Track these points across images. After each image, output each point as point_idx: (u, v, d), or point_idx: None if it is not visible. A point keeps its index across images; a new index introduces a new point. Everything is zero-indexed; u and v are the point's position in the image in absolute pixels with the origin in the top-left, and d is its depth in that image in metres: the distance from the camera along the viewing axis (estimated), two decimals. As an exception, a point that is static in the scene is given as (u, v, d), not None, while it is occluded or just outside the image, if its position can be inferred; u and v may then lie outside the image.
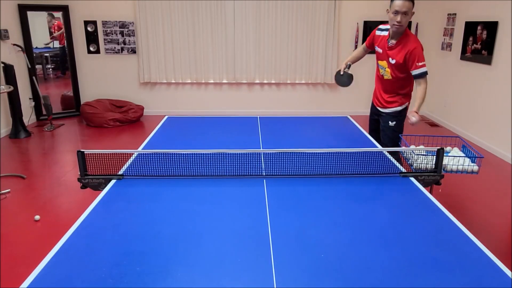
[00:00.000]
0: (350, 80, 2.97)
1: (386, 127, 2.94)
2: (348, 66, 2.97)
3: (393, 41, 2.73)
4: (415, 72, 2.66)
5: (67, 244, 1.44)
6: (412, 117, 2.56)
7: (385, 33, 2.81)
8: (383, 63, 2.86)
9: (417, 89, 2.69)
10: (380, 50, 2.85)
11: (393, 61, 2.75)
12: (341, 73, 2.96)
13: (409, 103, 2.93)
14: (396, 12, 2.59)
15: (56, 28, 6.11)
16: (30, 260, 2.60)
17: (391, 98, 2.90)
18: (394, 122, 2.90)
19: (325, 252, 1.39)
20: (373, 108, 3.11)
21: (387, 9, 2.69)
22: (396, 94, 2.88)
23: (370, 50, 3.04)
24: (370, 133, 3.18)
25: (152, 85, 6.49)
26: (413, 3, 2.60)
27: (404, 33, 2.69)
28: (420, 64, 2.63)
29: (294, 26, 6.15)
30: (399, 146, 2.82)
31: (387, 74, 2.84)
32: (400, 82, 2.82)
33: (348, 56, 3.13)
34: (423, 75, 2.66)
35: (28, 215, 3.18)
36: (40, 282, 1.23)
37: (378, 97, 3.02)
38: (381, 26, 2.88)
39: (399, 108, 2.89)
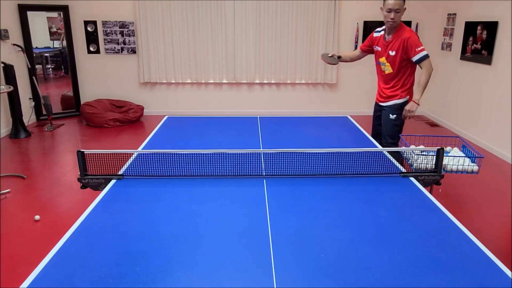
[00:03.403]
0: (336, 62, 3.27)
1: (387, 120, 3.03)
2: (338, 57, 3.25)
3: (389, 36, 2.93)
4: (416, 57, 2.80)
5: (67, 244, 1.44)
6: (409, 106, 2.85)
7: (382, 33, 3.02)
8: (383, 59, 3.00)
9: (421, 74, 2.82)
10: (379, 48, 3.02)
11: (392, 53, 2.90)
12: (329, 55, 3.25)
13: (410, 97, 2.99)
14: (390, 10, 2.81)
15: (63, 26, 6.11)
16: (30, 260, 2.60)
17: (392, 92, 3.00)
18: (395, 115, 2.98)
19: (325, 252, 1.39)
20: (376, 105, 3.21)
21: (381, 7, 2.91)
22: (397, 88, 2.97)
23: (365, 53, 3.23)
24: (373, 131, 3.28)
25: (152, 85, 6.49)
26: (404, 1, 2.81)
27: (398, 26, 2.88)
28: (419, 49, 2.79)
29: (294, 26, 6.15)
30: (399, 141, 2.86)
31: (388, 68, 2.97)
32: (400, 74, 2.93)
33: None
34: (425, 57, 2.79)
35: (28, 215, 3.18)
36: (40, 282, 1.23)
37: (380, 93, 3.12)
38: (377, 29, 3.10)
39: (400, 101, 2.98)
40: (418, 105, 2.88)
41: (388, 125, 3.02)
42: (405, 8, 2.84)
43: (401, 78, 2.94)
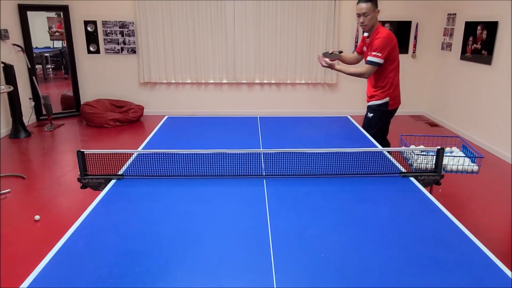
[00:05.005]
0: (335, 58, 3.17)
1: (366, 117, 3.22)
2: (339, 52, 3.24)
3: (368, 38, 3.05)
4: (368, 58, 2.94)
5: (67, 244, 1.44)
6: (325, 59, 3.02)
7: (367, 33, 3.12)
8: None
9: (357, 66, 3.03)
10: (365, 49, 3.12)
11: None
12: (330, 52, 3.19)
13: (390, 99, 3.08)
14: (358, 15, 2.93)
15: (59, 26, 6.12)
16: (30, 260, 2.60)
17: (372, 93, 3.13)
18: (372, 114, 3.14)
19: (325, 252, 1.39)
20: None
21: None
22: (377, 87, 3.08)
23: (361, 55, 3.31)
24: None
25: (152, 85, 6.49)
26: (374, 3, 2.88)
27: (375, 28, 2.96)
28: (374, 53, 2.89)
29: (294, 26, 6.15)
30: (373, 138, 2.88)
31: None
32: (379, 72, 3.01)
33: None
34: (371, 63, 2.91)
35: (28, 215, 3.18)
36: (40, 282, 1.23)
37: (366, 93, 3.28)
38: None
39: (378, 102, 3.09)
40: (331, 68, 3.02)
41: (365, 120, 3.20)
42: (378, 11, 2.92)
43: (378, 79, 3.04)
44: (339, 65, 3.05)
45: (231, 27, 6.14)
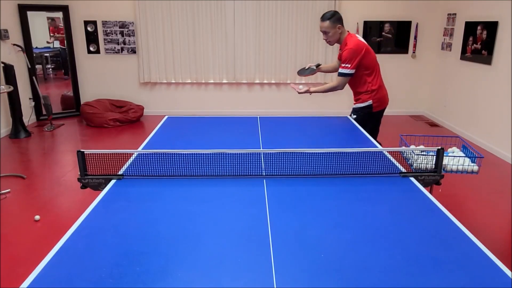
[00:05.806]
0: (312, 73, 3.34)
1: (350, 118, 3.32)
2: (317, 65, 3.37)
3: (340, 49, 3.14)
4: (338, 70, 3.08)
5: (67, 244, 1.44)
6: (301, 87, 3.18)
7: None
8: None
9: (330, 82, 3.15)
10: None
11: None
12: (306, 67, 3.34)
13: (373, 102, 3.12)
14: (322, 32, 3.05)
15: (53, 30, 6.12)
16: (30, 260, 2.60)
17: (356, 96, 3.21)
18: (355, 116, 3.21)
19: (325, 252, 1.39)
20: None
21: None
22: (358, 93, 3.16)
23: None
24: None
25: (152, 85, 6.49)
26: (333, 20, 2.95)
27: (343, 40, 3.05)
28: (343, 65, 3.00)
29: (294, 26, 6.15)
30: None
31: None
32: (355, 80, 3.10)
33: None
34: (340, 74, 3.04)
35: (28, 215, 3.18)
36: (40, 282, 1.23)
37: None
38: None
39: (361, 105, 3.16)
40: (308, 93, 3.16)
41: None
42: (340, 26, 2.98)
43: (357, 86, 3.13)
44: (314, 87, 3.19)
45: (231, 27, 6.14)
